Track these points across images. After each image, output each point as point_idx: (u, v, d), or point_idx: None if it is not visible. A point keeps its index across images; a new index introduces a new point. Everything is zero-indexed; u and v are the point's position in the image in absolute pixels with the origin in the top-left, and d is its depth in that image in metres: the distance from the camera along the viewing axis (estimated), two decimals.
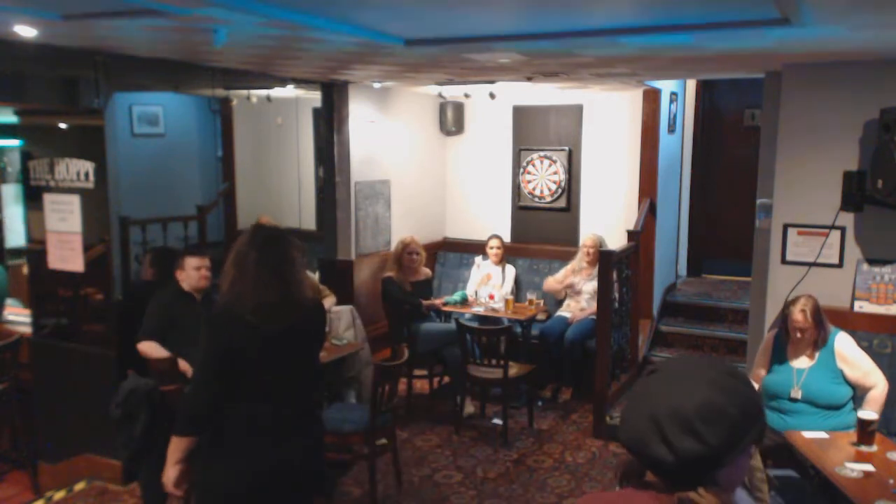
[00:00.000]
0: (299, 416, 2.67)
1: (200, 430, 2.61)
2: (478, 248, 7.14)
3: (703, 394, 1.23)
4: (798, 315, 3.77)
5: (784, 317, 3.90)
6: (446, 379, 6.17)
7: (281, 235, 2.69)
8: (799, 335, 3.78)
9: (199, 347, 2.64)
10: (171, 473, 2.65)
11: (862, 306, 4.23)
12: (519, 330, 6.12)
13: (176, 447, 2.63)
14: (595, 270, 6.13)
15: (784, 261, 4.43)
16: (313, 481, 2.76)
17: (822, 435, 3.50)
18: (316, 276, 6.25)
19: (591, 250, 6.25)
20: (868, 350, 4.10)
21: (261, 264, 2.56)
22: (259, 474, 2.58)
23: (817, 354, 3.80)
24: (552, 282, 6.45)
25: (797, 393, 3.76)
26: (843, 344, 3.80)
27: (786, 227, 4.41)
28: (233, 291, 2.57)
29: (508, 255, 6.96)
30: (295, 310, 2.62)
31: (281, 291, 2.57)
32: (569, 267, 6.49)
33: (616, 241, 6.51)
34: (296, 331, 2.64)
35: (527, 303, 6.41)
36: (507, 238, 7.20)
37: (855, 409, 3.71)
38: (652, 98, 6.68)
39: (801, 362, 3.83)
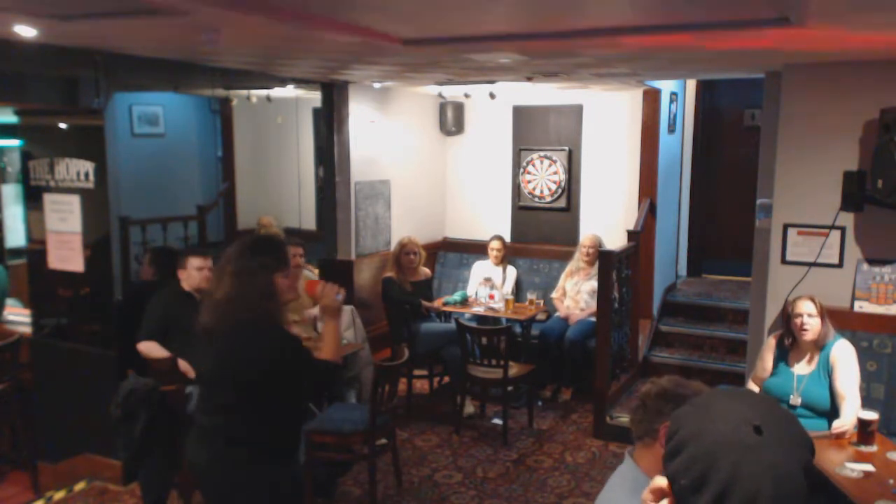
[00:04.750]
0: (218, 431, 2.60)
1: None
2: (478, 248, 7.14)
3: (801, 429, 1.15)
4: (808, 305, 3.75)
5: (787, 318, 3.87)
6: (446, 379, 6.17)
7: (253, 244, 2.64)
8: (807, 330, 3.74)
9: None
10: None
11: (862, 306, 4.23)
12: (519, 330, 6.12)
13: None
14: (594, 270, 6.14)
15: (784, 261, 4.42)
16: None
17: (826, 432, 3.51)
18: (316, 276, 6.25)
19: (591, 250, 6.26)
20: (868, 350, 4.10)
21: (221, 259, 2.62)
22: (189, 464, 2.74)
23: (817, 360, 3.79)
24: (555, 301, 6.48)
25: (796, 400, 3.75)
26: (841, 350, 3.77)
27: (786, 227, 4.41)
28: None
29: (508, 255, 6.95)
30: (223, 318, 2.54)
31: (212, 291, 2.58)
32: (565, 272, 6.51)
33: (616, 241, 6.51)
34: (220, 339, 2.57)
35: (527, 303, 6.41)
36: (507, 238, 7.20)
37: None
38: (652, 98, 6.68)
39: (801, 368, 3.82)
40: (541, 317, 6.38)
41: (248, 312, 2.51)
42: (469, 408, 5.76)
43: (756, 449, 1.07)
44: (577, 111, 7.10)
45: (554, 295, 6.53)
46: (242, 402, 2.53)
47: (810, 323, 3.75)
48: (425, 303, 6.16)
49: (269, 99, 7.20)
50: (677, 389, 1.88)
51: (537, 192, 7.31)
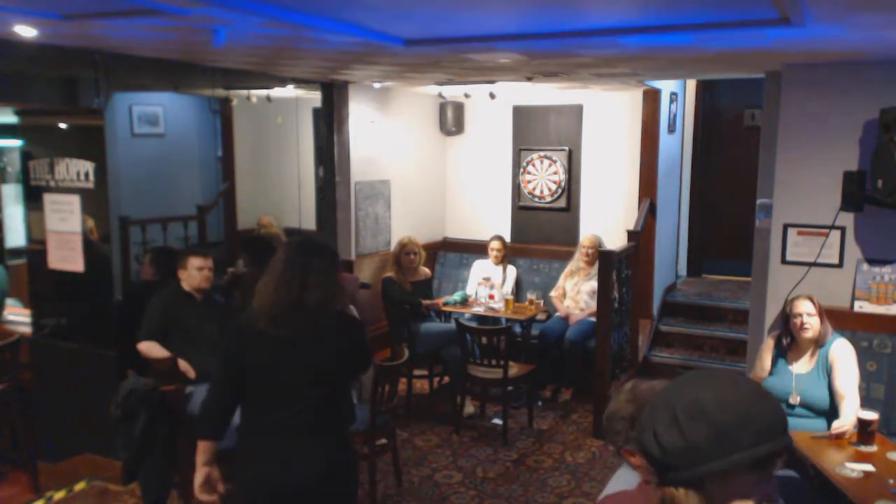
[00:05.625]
0: (308, 427, 2.60)
1: (216, 433, 2.67)
2: (478, 248, 7.14)
3: (700, 392, 1.20)
4: (807, 305, 3.78)
5: (786, 318, 3.89)
6: (446, 379, 6.17)
7: (315, 244, 2.77)
8: (807, 329, 3.76)
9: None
10: (196, 478, 2.67)
11: (862, 306, 4.23)
12: (519, 330, 6.12)
13: (198, 450, 2.68)
14: (593, 270, 6.14)
15: (784, 261, 4.42)
16: (325, 494, 2.65)
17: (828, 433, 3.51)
18: None
19: (590, 250, 6.26)
20: (868, 350, 4.10)
21: (287, 264, 2.60)
22: (264, 481, 2.60)
23: (816, 359, 3.80)
24: (553, 299, 6.49)
25: (795, 399, 3.76)
26: (840, 350, 3.78)
27: (786, 227, 4.41)
28: (257, 294, 2.62)
29: (508, 255, 6.95)
30: (311, 318, 2.58)
31: (298, 295, 2.55)
32: (565, 272, 6.51)
33: (616, 241, 6.51)
34: (309, 339, 2.59)
35: (527, 303, 6.41)
36: (507, 238, 7.20)
37: None
38: (652, 98, 6.68)
39: (800, 367, 3.82)
40: (541, 317, 6.38)
41: (335, 304, 2.69)
42: (469, 408, 5.76)
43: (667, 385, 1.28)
44: (577, 111, 7.10)
45: (553, 293, 6.51)
46: (333, 390, 2.65)
47: (810, 322, 3.76)
48: (425, 301, 6.16)
49: (269, 99, 7.20)
50: (626, 408, 1.88)
51: (537, 192, 7.31)
